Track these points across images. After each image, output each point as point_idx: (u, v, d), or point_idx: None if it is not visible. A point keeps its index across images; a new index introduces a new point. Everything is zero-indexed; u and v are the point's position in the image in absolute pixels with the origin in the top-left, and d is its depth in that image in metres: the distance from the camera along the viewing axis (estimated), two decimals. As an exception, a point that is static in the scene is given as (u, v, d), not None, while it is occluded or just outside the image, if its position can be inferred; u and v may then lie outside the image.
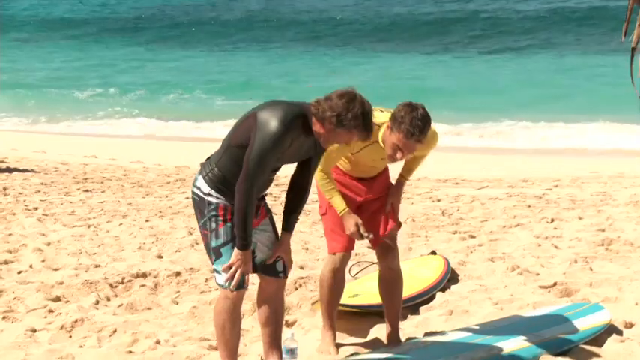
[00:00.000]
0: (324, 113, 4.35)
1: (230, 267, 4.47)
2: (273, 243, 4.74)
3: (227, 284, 4.53)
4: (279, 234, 4.76)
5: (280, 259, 4.74)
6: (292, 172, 4.76)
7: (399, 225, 5.40)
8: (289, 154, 4.50)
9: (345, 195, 5.22)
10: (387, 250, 5.36)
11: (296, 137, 4.41)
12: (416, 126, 4.79)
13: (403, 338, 5.55)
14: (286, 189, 4.81)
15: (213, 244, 4.55)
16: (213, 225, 4.54)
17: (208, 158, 4.66)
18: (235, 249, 4.47)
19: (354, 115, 4.32)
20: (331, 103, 4.35)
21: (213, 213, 4.53)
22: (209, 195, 4.54)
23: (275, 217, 4.80)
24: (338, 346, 5.47)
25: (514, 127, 21.79)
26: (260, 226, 4.70)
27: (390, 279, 5.41)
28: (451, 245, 8.45)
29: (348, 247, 5.36)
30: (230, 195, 4.50)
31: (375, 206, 5.32)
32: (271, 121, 4.33)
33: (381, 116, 5.01)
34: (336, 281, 5.37)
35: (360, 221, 5.17)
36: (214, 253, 4.56)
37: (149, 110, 25.86)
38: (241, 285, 4.56)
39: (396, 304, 5.46)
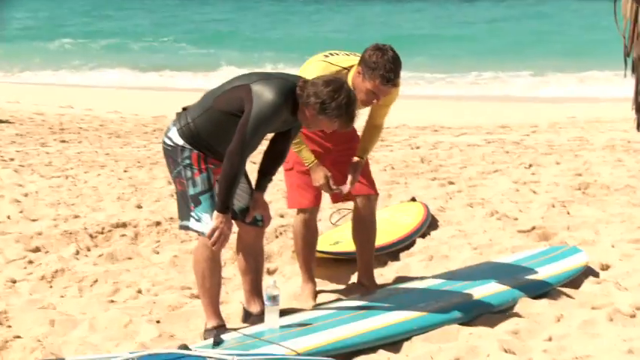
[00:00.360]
0: (309, 98, 4.37)
1: (214, 231, 4.48)
2: (249, 192, 4.75)
3: (205, 233, 4.54)
4: (253, 192, 4.77)
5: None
6: (271, 136, 4.77)
7: (376, 193, 5.43)
8: (278, 125, 4.52)
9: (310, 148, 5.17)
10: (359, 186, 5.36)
11: (287, 110, 4.42)
12: (390, 70, 4.78)
13: (382, 283, 5.61)
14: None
15: (191, 192, 4.56)
16: (189, 174, 4.55)
17: (185, 109, 4.66)
18: (216, 212, 4.47)
19: (337, 105, 4.33)
20: (316, 89, 4.36)
21: (188, 161, 4.55)
22: (182, 145, 4.55)
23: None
24: (318, 293, 5.50)
25: (487, 75, 21.77)
26: None
27: (367, 221, 5.42)
28: (430, 192, 8.49)
29: (316, 202, 5.35)
30: (202, 149, 4.54)
31: (340, 158, 5.29)
32: (268, 93, 4.35)
33: (347, 59, 4.99)
34: (309, 233, 5.37)
35: (329, 174, 5.14)
36: (193, 201, 4.57)
37: (121, 60, 25.56)
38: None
39: (371, 247, 5.49)
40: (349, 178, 5.17)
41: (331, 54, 5.08)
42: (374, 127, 5.27)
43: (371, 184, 5.41)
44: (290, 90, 4.41)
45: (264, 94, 4.35)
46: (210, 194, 4.54)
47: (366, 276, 5.51)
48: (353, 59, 4.98)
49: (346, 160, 5.25)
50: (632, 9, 4.21)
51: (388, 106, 5.18)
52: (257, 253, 4.87)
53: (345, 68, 4.94)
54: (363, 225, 5.44)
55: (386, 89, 4.84)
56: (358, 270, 5.55)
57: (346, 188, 5.17)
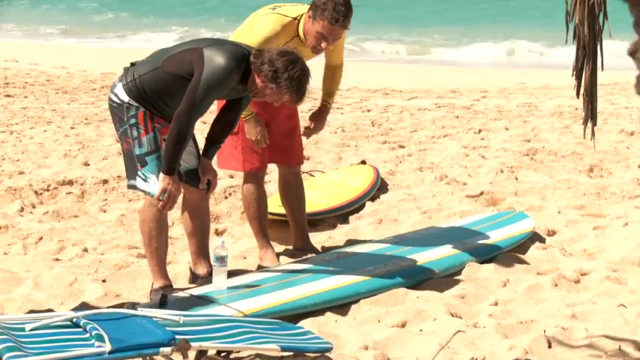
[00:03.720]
0: (262, 66, 4.31)
1: (164, 192, 4.42)
2: (196, 154, 4.71)
3: (152, 192, 4.48)
4: (201, 158, 4.73)
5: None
6: (220, 105, 4.71)
7: (301, 162, 5.47)
8: (227, 92, 4.47)
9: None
10: (289, 156, 5.35)
11: (237, 76, 4.38)
12: (339, 11, 4.75)
13: (331, 246, 5.61)
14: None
15: (137, 152, 4.50)
16: (135, 133, 4.49)
17: (133, 64, 4.58)
18: (162, 174, 4.41)
19: (290, 76, 4.28)
20: (271, 57, 4.31)
21: (134, 120, 4.49)
22: (128, 103, 4.47)
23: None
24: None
25: (437, 43, 21.81)
26: None
27: (295, 185, 5.42)
28: (380, 155, 8.50)
29: (265, 164, 5.32)
30: (149, 107, 4.49)
31: (284, 127, 5.26)
32: (220, 58, 4.30)
33: (295, 9, 4.95)
34: (262, 197, 5.32)
35: (265, 130, 5.09)
36: (139, 161, 4.51)
37: (57, 23, 25.09)
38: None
39: (304, 213, 5.49)
40: (312, 124, 5.22)
41: (278, 6, 5.01)
42: (334, 68, 5.27)
43: (296, 153, 5.39)
44: (242, 56, 4.36)
45: (216, 58, 4.30)
46: (156, 155, 4.49)
47: (302, 240, 5.49)
48: (301, 8, 4.94)
49: (286, 132, 5.24)
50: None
51: (341, 43, 5.15)
52: (203, 214, 4.83)
53: (295, 18, 4.90)
54: (292, 192, 5.42)
55: (335, 30, 4.81)
56: (293, 236, 5.51)
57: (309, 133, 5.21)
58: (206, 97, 4.31)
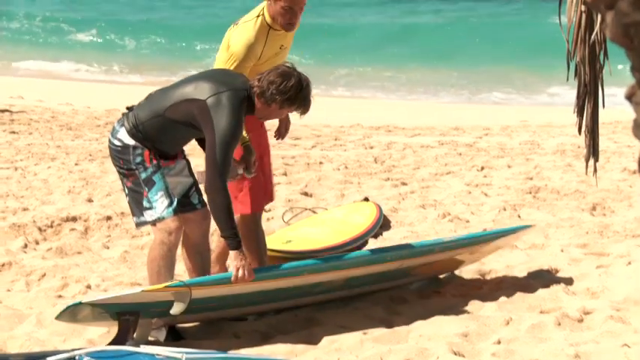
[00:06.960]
0: (263, 89, 4.44)
1: (238, 272, 4.40)
2: (187, 173, 4.73)
3: (166, 212, 4.48)
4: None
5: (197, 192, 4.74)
6: None
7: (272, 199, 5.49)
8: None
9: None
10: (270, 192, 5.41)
11: (244, 116, 4.51)
12: None
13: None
14: None
15: (143, 176, 4.56)
16: (139, 159, 4.59)
17: (130, 109, 4.63)
18: (232, 252, 4.43)
19: (287, 89, 4.43)
20: (269, 77, 4.45)
21: (140, 159, 4.57)
22: (134, 145, 4.57)
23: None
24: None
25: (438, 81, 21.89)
26: (177, 164, 4.69)
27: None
28: (383, 192, 8.52)
29: (265, 205, 5.37)
30: (153, 148, 4.58)
31: (266, 166, 5.31)
32: (225, 110, 4.35)
33: (254, 10, 4.99)
34: (260, 233, 5.27)
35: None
36: (146, 185, 4.56)
37: (54, 52, 25.09)
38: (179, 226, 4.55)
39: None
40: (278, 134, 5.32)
41: (237, 21, 5.06)
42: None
43: (272, 189, 5.42)
44: (243, 98, 4.44)
45: (222, 112, 4.34)
46: (161, 172, 4.56)
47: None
48: (258, 7, 4.99)
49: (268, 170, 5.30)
50: (576, 13, 4.25)
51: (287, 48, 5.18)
52: (204, 250, 4.82)
53: (257, 16, 4.95)
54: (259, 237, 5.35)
55: None
56: None
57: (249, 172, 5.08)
58: (227, 155, 4.36)
